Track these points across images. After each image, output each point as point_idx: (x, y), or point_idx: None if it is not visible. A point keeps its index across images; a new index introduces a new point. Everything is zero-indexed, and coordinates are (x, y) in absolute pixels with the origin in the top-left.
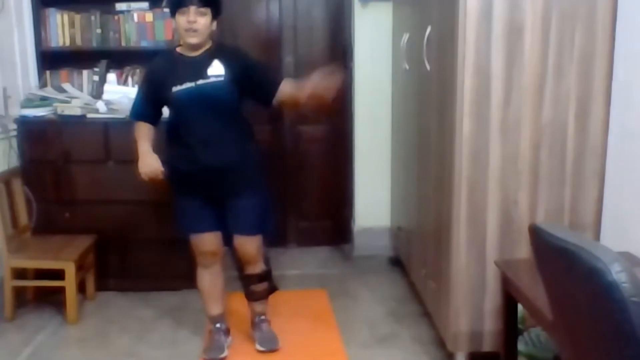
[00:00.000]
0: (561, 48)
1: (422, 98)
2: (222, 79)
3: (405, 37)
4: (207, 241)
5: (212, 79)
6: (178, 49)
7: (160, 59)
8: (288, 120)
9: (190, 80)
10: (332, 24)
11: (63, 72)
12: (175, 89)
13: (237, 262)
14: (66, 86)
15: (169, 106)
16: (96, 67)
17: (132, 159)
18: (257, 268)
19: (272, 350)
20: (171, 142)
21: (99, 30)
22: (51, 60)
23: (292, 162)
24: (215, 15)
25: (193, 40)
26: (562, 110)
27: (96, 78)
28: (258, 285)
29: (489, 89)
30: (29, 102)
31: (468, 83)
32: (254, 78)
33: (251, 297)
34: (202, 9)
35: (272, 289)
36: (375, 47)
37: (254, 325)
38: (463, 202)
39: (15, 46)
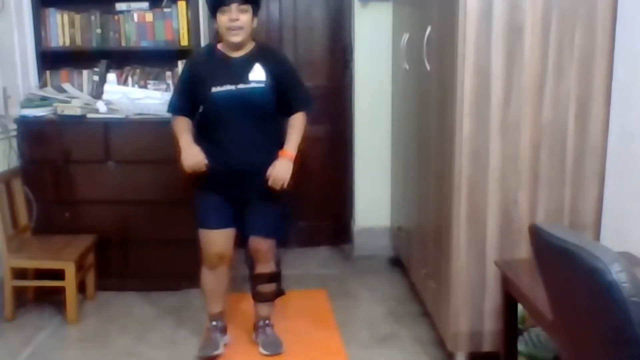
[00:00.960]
0: (561, 48)
1: (422, 98)
2: (263, 85)
3: (405, 37)
4: (218, 241)
5: (253, 84)
6: (219, 46)
7: (201, 55)
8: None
9: (231, 83)
10: (332, 24)
11: (63, 72)
12: (214, 89)
13: (249, 261)
14: (66, 86)
15: (204, 104)
16: (96, 67)
17: (132, 159)
18: (268, 268)
19: (276, 354)
20: (202, 139)
21: (99, 30)
22: (51, 60)
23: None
24: (255, 12)
25: (236, 38)
26: (562, 110)
27: (96, 78)
28: (266, 286)
29: (489, 89)
30: (29, 102)
31: (468, 83)
32: (287, 88)
33: (258, 297)
34: (244, 6)
35: (280, 292)
36: (375, 47)
37: (258, 328)
38: (463, 202)
39: (15, 46)
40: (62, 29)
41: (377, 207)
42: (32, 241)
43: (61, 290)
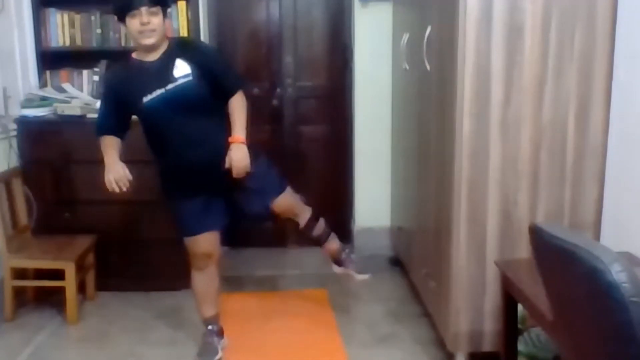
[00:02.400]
0: (561, 48)
1: (422, 98)
2: (190, 78)
3: (405, 37)
4: (202, 242)
5: (180, 80)
6: (134, 55)
7: (119, 70)
8: (288, 120)
9: (160, 87)
10: (332, 24)
11: (63, 72)
12: (145, 99)
13: (292, 221)
14: (66, 86)
15: (140, 117)
16: (96, 67)
17: (132, 159)
18: (306, 214)
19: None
20: (157, 155)
21: (99, 30)
22: (51, 60)
23: (292, 162)
24: (165, 13)
25: (150, 41)
26: (562, 110)
27: (96, 78)
28: (318, 227)
29: (489, 89)
30: (29, 102)
31: (468, 83)
32: (216, 74)
33: (321, 240)
34: (153, 9)
35: (328, 229)
36: (375, 47)
37: (341, 261)
38: (463, 202)
39: (15, 46)
40: (62, 29)
41: (377, 207)
42: (32, 241)
43: (61, 290)
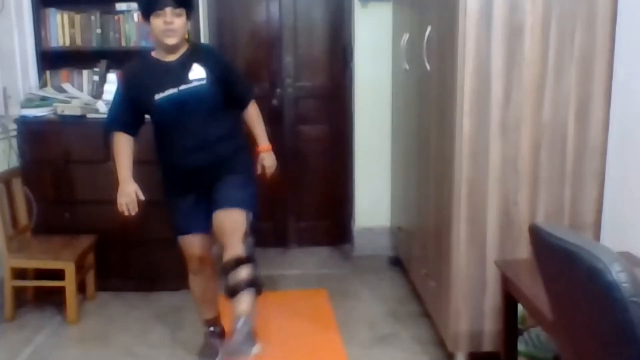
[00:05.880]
0: (561, 48)
1: (422, 98)
2: (204, 82)
3: (405, 37)
4: (195, 244)
5: (194, 83)
6: (153, 54)
7: (136, 66)
8: (288, 120)
9: (173, 86)
10: (332, 24)
11: (63, 72)
12: (157, 96)
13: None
14: (66, 86)
15: (151, 114)
16: (96, 67)
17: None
18: (236, 250)
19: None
20: (161, 152)
21: (99, 30)
22: (51, 60)
23: (292, 162)
24: (189, 15)
25: (172, 41)
26: (562, 110)
27: (96, 78)
28: (236, 273)
29: (489, 89)
30: (29, 102)
31: (468, 83)
32: (230, 84)
33: (229, 291)
34: (178, 10)
35: (254, 283)
36: (375, 47)
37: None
38: (463, 202)
39: (15, 46)
40: (62, 29)
41: (377, 207)
42: (32, 241)
43: (61, 290)
